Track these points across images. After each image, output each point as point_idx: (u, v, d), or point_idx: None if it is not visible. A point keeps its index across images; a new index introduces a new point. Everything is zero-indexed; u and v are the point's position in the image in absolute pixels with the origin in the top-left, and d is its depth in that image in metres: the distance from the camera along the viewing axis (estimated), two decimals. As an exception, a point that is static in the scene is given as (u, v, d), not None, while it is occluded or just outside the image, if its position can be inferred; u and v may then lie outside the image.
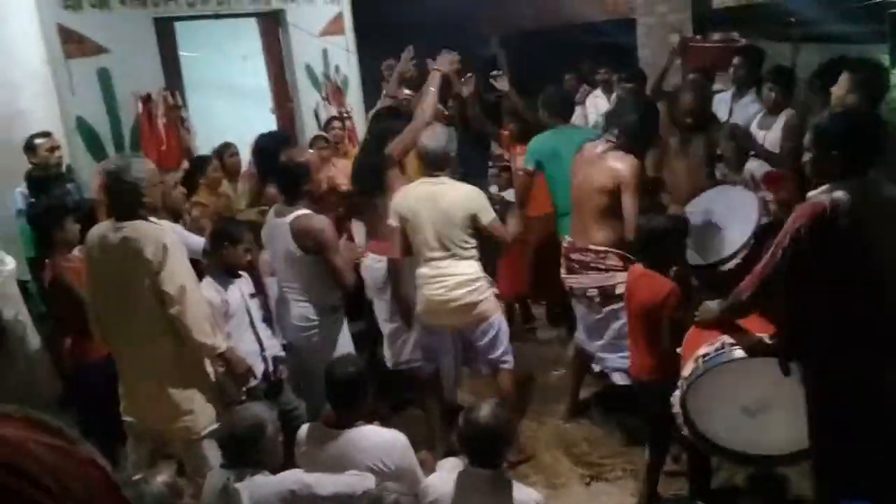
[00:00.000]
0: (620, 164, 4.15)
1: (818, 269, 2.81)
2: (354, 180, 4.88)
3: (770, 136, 5.18)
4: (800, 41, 7.65)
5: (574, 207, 4.45)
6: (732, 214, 4.11)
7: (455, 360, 4.37)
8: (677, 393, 3.32)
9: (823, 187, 2.84)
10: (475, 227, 4.09)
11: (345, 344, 4.22)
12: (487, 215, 4.11)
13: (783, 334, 3.08)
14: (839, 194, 2.76)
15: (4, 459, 0.65)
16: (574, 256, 4.37)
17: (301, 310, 4.11)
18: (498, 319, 4.25)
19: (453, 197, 4.07)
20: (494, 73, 5.92)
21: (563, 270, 4.49)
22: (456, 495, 2.90)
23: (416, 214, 4.09)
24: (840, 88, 3.93)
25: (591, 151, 4.35)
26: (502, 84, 5.79)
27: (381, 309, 4.67)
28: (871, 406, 2.87)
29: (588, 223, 4.31)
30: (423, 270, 4.14)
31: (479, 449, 2.89)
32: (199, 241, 4.19)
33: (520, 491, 2.94)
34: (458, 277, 4.06)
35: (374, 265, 4.59)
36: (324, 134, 6.30)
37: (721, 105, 6.10)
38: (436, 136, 4.15)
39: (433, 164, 4.13)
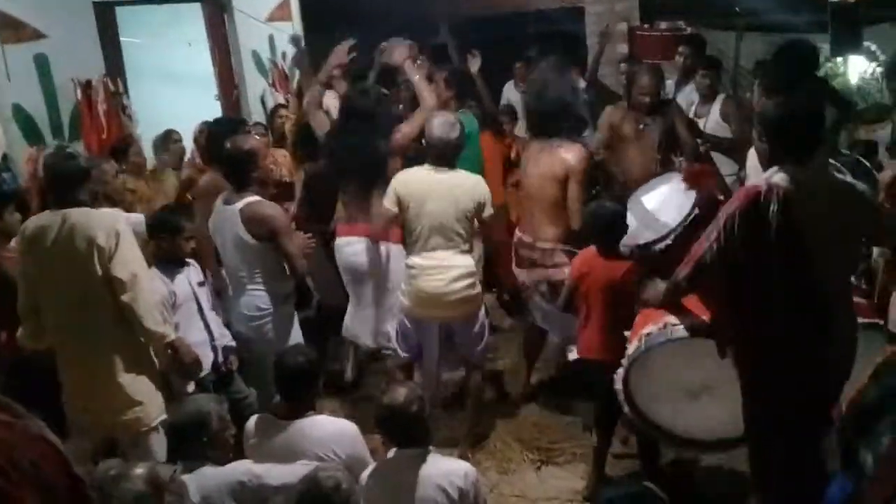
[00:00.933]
0: (569, 154, 4.18)
1: (752, 252, 2.83)
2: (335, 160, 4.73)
3: (708, 124, 5.29)
4: (743, 30, 7.80)
5: (524, 201, 4.48)
6: (672, 199, 4.18)
7: (440, 353, 4.33)
8: (620, 370, 3.36)
9: (769, 171, 2.89)
10: (477, 219, 4.11)
11: (295, 333, 4.17)
12: (490, 208, 4.14)
13: (719, 317, 3.12)
14: (777, 178, 2.79)
15: None
16: (523, 252, 4.43)
17: (252, 298, 4.04)
18: (483, 314, 4.27)
19: (464, 186, 4.07)
20: (470, 56, 5.93)
21: (513, 264, 4.54)
22: (386, 477, 2.94)
23: (419, 202, 4.06)
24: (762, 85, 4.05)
25: (535, 144, 4.39)
26: (474, 66, 5.79)
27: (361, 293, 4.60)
28: (800, 387, 2.91)
29: (537, 217, 4.34)
30: (418, 261, 4.10)
31: (400, 431, 2.94)
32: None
33: (448, 463, 2.99)
34: (458, 269, 4.05)
35: (348, 249, 4.52)
36: (261, 122, 6.22)
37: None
38: (444, 125, 4.11)
39: (441, 154, 4.09)
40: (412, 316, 4.23)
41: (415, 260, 4.12)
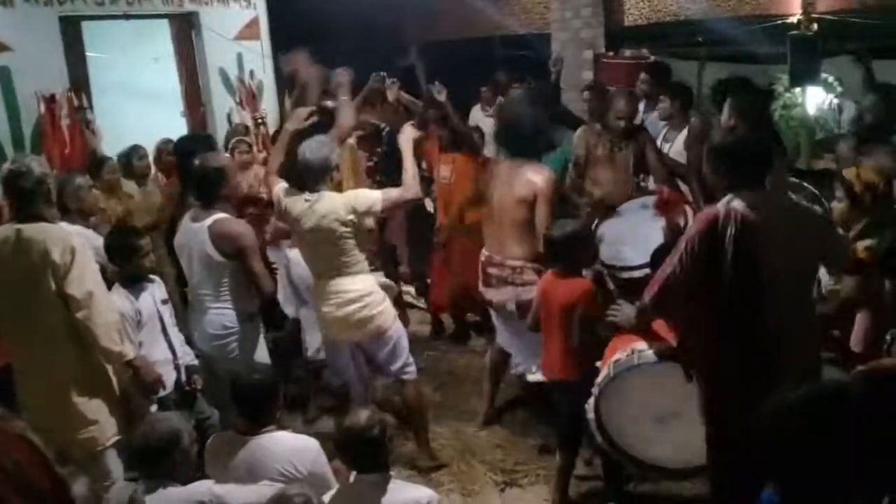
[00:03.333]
0: (537, 177, 4.23)
1: (711, 275, 2.87)
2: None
3: (673, 150, 5.40)
4: (706, 60, 7.97)
5: (491, 221, 4.48)
6: (649, 225, 4.24)
7: (359, 373, 4.30)
8: (591, 399, 3.37)
9: (726, 198, 2.95)
10: (359, 226, 3.96)
11: (261, 353, 4.15)
12: (364, 200, 3.99)
13: (684, 340, 3.16)
14: (734, 203, 2.86)
15: None
16: (491, 271, 4.43)
17: (217, 317, 4.00)
18: (395, 331, 4.21)
19: (332, 207, 3.94)
20: (434, 86, 5.93)
21: (480, 283, 4.54)
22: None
23: (299, 231, 4.06)
24: (725, 115, 4.18)
25: (503, 166, 4.42)
26: (441, 96, 5.79)
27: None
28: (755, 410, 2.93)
29: (505, 237, 4.36)
30: (315, 286, 4.14)
31: (359, 456, 2.90)
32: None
33: (410, 490, 2.97)
34: (348, 294, 4.03)
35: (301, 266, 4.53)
36: (245, 139, 6.20)
37: None
38: (316, 148, 4.00)
39: (312, 178, 3.99)
40: (326, 339, 4.29)
41: (316, 285, 4.15)
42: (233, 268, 3.94)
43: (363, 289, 4.06)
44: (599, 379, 3.37)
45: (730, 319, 2.90)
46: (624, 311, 3.37)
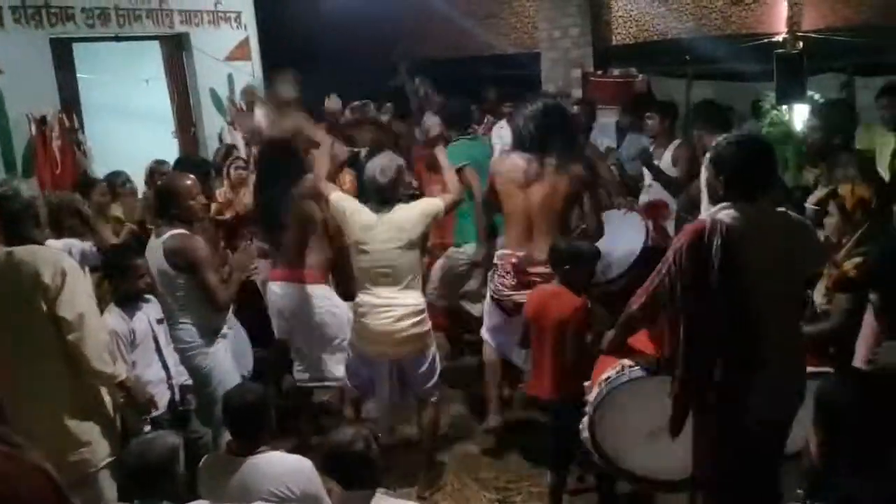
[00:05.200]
0: (575, 168, 4.22)
1: (697, 286, 2.87)
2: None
3: (663, 165, 5.46)
4: (693, 78, 8.06)
5: (522, 224, 4.31)
6: (621, 237, 4.29)
7: (391, 391, 4.27)
8: (585, 419, 3.40)
9: (714, 209, 2.96)
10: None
11: (229, 372, 4.11)
12: (434, 207, 4.14)
13: (670, 353, 3.17)
14: (722, 215, 2.86)
15: None
16: (533, 270, 4.23)
17: (179, 332, 4.02)
18: (434, 351, 4.27)
19: (407, 217, 4.06)
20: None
21: (508, 285, 4.34)
22: None
23: (364, 241, 4.06)
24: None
25: (527, 168, 4.28)
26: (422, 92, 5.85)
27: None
28: (744, 424, 2.95)
29: (543, 237, 4.20)
30: (366, 298, 4.10)
31: (348, 473, 2.87)
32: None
33: None
34: (405, 308, 4.05)
35: (277, 293, 4.58)
36: (242, 156, 6.22)
37: (604, 134, 6.55)
38: (388, 166, 4.11)
39: (387, 194, 4.09)
40: (362, 353, 4.23)
41: (362, 298, 4.13)
42: (188, 282, 3.98)
43: (420, 303, 4.12)
44: (592, 397, 3.38)
45: (716, 329, 2.89)
46: (607, 336, 3.42)
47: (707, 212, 3.05)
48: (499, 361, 4.64)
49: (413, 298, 4.10)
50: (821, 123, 4.95)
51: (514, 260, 4.29)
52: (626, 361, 3.33)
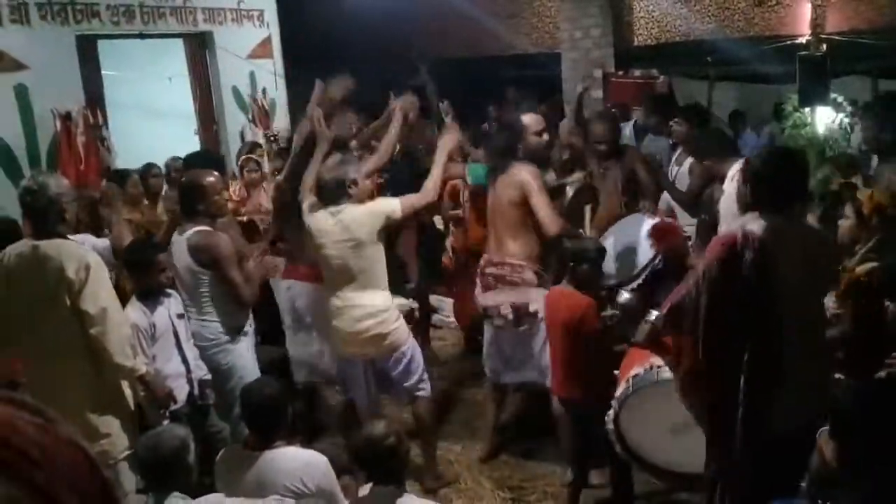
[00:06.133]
0: (522, 173, 4.31)
1: (728, 298, 2.89)
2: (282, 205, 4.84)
3: (681, 171, 5.43)
4: (716, 80, 8.02)
5: (490, 225, 4.55)
6: (639, 242, 4.30)
7: (368, 390, 4.32)
8: (611, 412, 3.47)
9: (744, 218, 2.98)
10: (387, 228, 4.08)
11: (250, 368, 4.15)
12: (385, 207, 4.08)
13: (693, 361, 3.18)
14: (753, 226, 2.87)
15: None
16: (490, 271, 4.44)
17: (200, 329, 4.06)
18: (409, 348, 4.22)
19: (356, 216, 4.02)
20: (442, 105, 6.02)
21: (477, 289, 4.56)
22: None
23: (323, 243, 4.08)
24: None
25: (496, 173, 4.50)
26: (448, 116, 5.86)
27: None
28: (766, 431, 2.96)
29: (503, 237, 4.40)
30: (333, 300, 4.14)
31: (376, 467, 2.93)
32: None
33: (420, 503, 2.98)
34: (364, 308, 4.05)
35: (285, 292, 4.63)
36: (255, 157, 6.27)
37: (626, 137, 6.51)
38: (333, 165, 4.11)
39: (332, 193, 4.06)
40: (340, 354, 4.29)
41: (331, 300, 4.16)
42: (212, 278, 4.01)
43: (381, 304, 4.10)
44: (619, 393, 3.47)
45: (744, 340, 2.92)
46: (642, 327, 3.43)
47: (731, 218, 3.06)
48: (493, 393, 4.74)
49: (371, 299, 4.06)
50: (877, 123, 4.55)
51: (482, 261, 4.50)
52: (656, 360, 3.38)
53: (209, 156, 6.67)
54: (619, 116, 6.49)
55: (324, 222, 4.07)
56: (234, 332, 4.12)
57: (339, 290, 4.10)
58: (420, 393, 4.30)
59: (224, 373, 4.06)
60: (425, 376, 4.33)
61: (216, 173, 4.26)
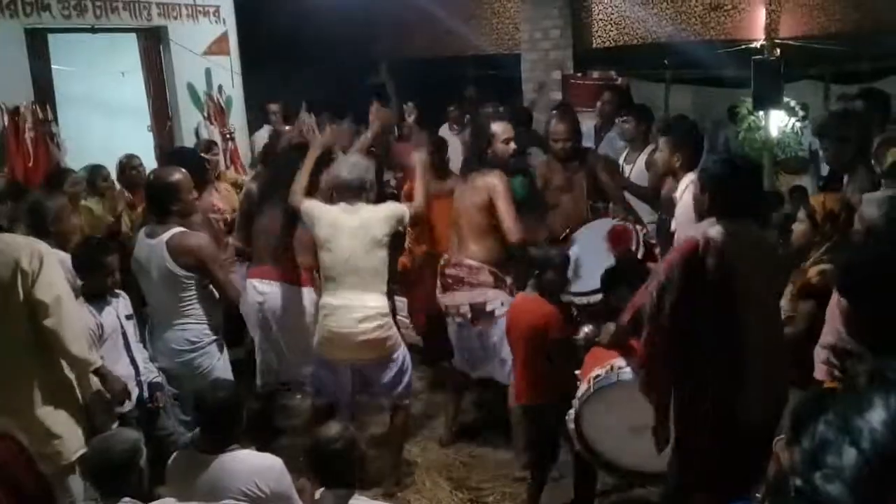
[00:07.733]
0: (488, 178, 4.34)
1: (690, 301, 2.94)
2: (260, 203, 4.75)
3: (635, 170, 5.46)
4: (672, 83, 8.11)
5: (453, 226, 4.57)
6: (602, 252, 4.33)
7: (352, 395, 4.28)
8: (571, 411, 3.50)
9: (704, 224, 3.02)
10: (397, 232, 4.17)
11: (225, 366, 4.10)
12: (401, 211, 4.19)
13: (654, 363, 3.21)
14: (713, 231, 2.94)
15: None
16: (448, 272, 4.48)
17: (181, 333, 3.96)
18: (402, 355, 4.23)
19: (375, 216, 4.08)
20: (406, 106, 6.03)
21: (438, 290, 4.58)
22: None
23: (331, 240, 4.05)
24: (661, 152, 4.20)
25: (464, 177, 4.58)
26: (411, 117, 5.89)
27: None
28: (725, 433, 3.00)
29: (464, 239, 4.43)
30: (330, 300, 4.07)
31: (328, 470, 2.89)
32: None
33: None
34: (367, 310, 4.01)
35: (254, 293, 4.52)
36: (205, 156, 6.14)
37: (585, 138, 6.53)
38: (353, 166, 4.19)
39: (352, 193, 4.11)
40: (323, 357, 4.20)
41: (326, 299, 4.10)
42: (195, 280, 3.92)
43: (382, 307, 4.09)
44: (580, 393, 3.49)
45: (705, 343, 2.98)
46: (607, 329, 3.48)
47: (689, 225, 3.12)
48: (455, 385, 4.78)
49: (376, 301, 4.06)
50: (841, 134, 4.10)
51: (442, 262, 4.57)
52: (617, 361, 3.42)
53: (190, 155, 6.40)
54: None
55: (340, 217, 4.07)
56: (215, 332, 4.04)
57: (339, 289, 4.05)
58: (405, 402, 4.31)
59: (202, 376, 3.93)
60: (410, 387, 4.32)
61: (183, 170, 4.11)
